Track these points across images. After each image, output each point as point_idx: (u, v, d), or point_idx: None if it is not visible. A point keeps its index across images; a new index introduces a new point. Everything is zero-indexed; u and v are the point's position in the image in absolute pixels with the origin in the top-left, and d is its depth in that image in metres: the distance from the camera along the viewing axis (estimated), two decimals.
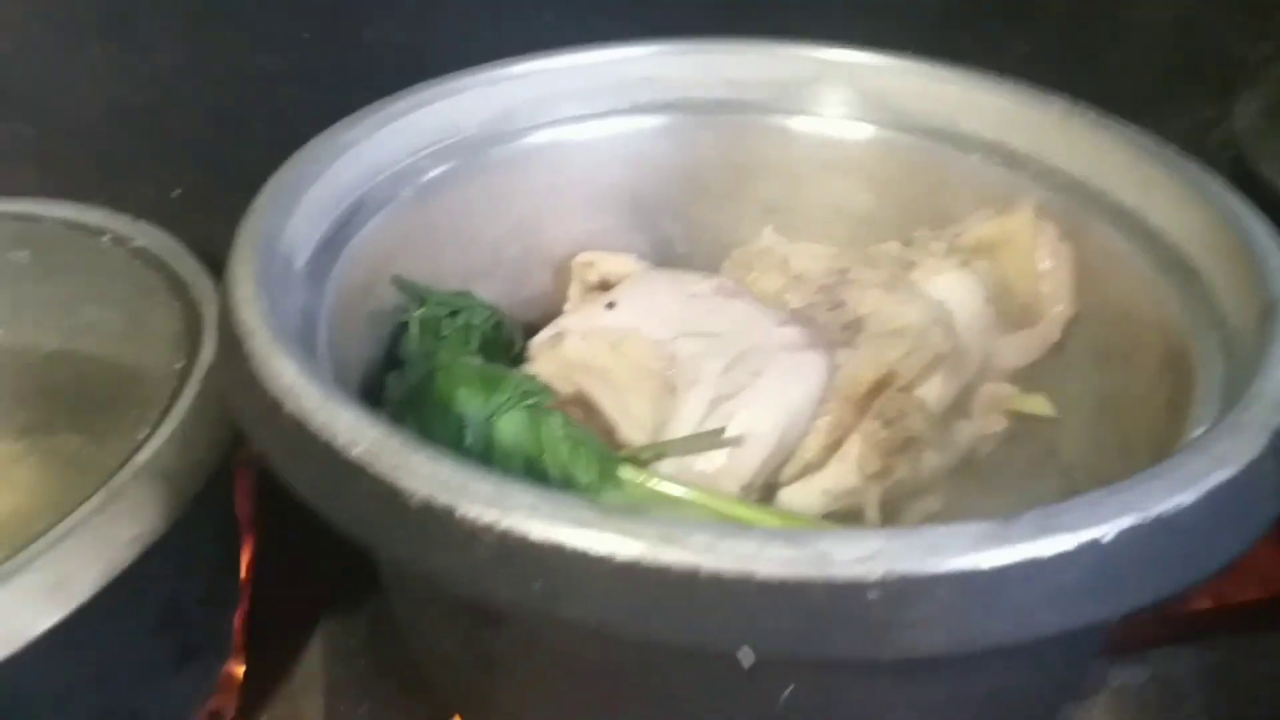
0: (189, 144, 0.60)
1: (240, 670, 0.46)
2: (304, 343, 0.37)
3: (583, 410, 0.51)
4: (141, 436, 0.37)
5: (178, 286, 0.45)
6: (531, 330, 0.54)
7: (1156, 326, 0.44)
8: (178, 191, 0.61)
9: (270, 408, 0.31)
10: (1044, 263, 0.48)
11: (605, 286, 0.56)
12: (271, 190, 0.41)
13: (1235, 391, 0.37)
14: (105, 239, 0.47)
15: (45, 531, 0.32)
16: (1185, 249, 0.44)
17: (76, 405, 0.42)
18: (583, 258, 0.56)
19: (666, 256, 0.59)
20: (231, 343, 0.34)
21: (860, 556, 0.26)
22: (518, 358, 0.52)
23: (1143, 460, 0.44)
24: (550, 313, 0.57)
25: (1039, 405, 0.50)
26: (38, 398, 0.43)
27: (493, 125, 0.52)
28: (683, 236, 0.59)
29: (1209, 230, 0.43)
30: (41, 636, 0.30)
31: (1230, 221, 0.42)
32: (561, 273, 0.57)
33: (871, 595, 0.26)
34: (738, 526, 0.27)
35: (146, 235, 0.47)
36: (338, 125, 0.46)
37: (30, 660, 0.31)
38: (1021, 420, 0.51)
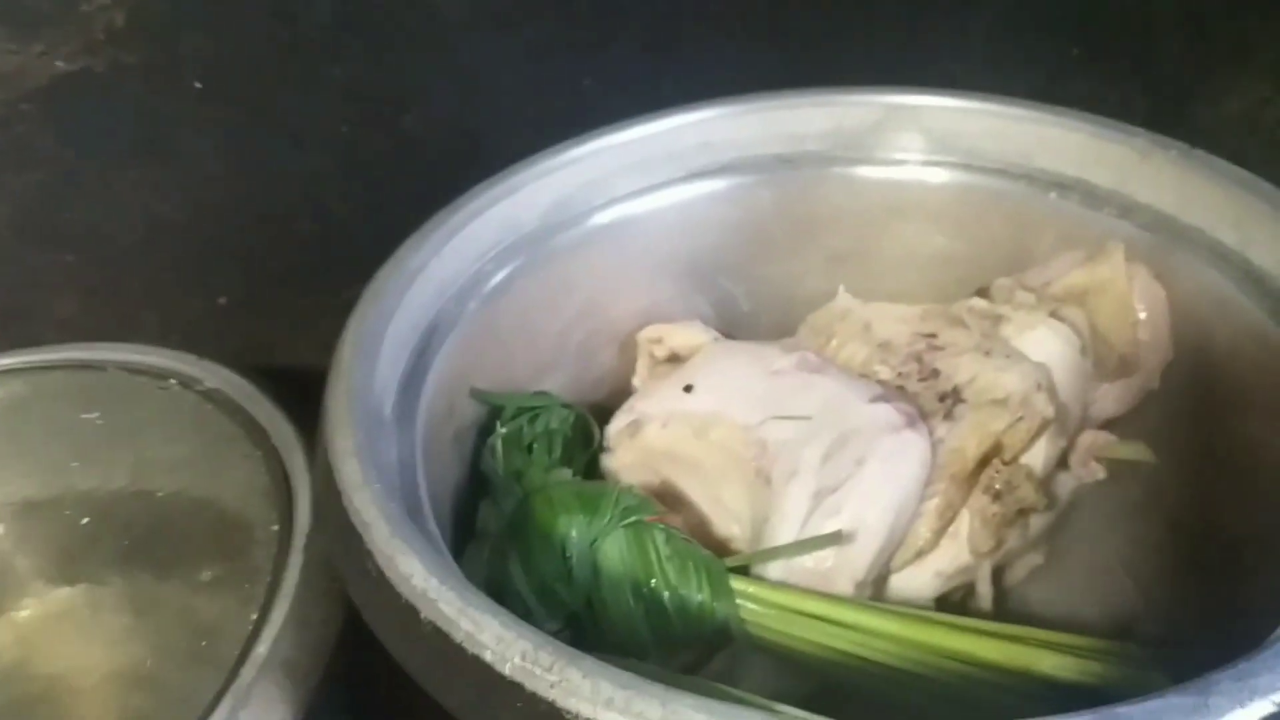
0: (234, 253, 0.58)
1: None
2: (411, 508, 0.36)
3: (671, 502, 0.50)
4: (253, 618, 0.36)
5: (256, 434, 0.43)
6: (598, 410, 0.52)
7: (1271, 372, 0.43)
8: (224, 299, 0.59)
9: (404, 614, 0.30)
10: (1139, 309, 0.47)
11: (675, 360, 0.55)
12: (352, 339, 0.40)
13: None
14: (172, 383, 0.46)
15: None
16: None
17: (172, 569, 0.40)
18: (650, 333, 0.55)
19: (731, 315, 0.57)
20: (347, 533, 0.33)
21: None
22: (597, 451, 0.51)
23: (1272, 504, 0.43)
24: (617, 390, 0.55)
25: (1139, 452, 0.48)
26: (128, 562, 0.42)
27: (552, 215, 0.51)
28: (746, 294, 0.57)
29: None
30: None
31: None
32: (626, 348, 0.56)
33: None
34: None
35: (214, 375, 0.46)
36: (403, 250, 0.45)
37: None
38: (1121, 465, 0.49)
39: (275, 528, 0.39)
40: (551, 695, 0.27)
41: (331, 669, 0.36)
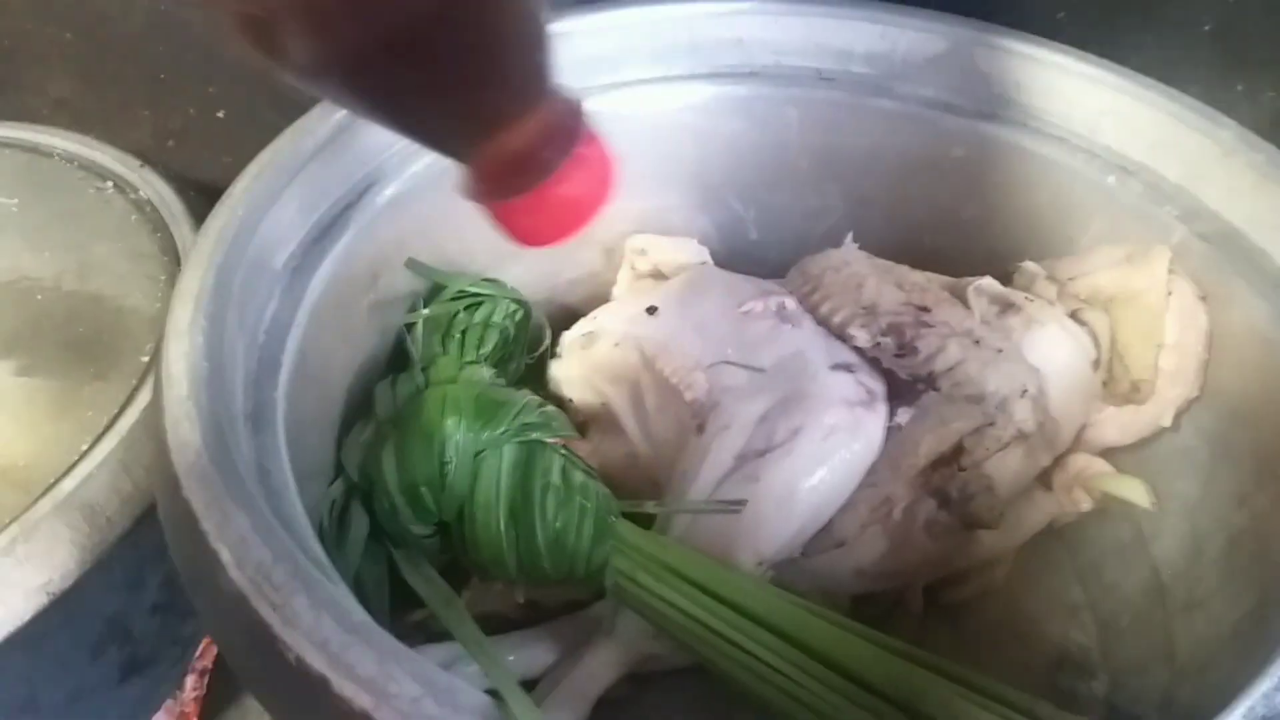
0: (230, 66, 0.55)
1: (200, 679, 0.44)
2: (260, 373, 0.33)
3: (608, 429, 0.46)
4: (82, 449, 0.33)
5: (170, 256, 0.40)
6: (571, 313, 0.48)
7: None
8: (222, 113, 0.56)
9: (170, 487, 0.27)
10: (1171, 334, 0.40)
11: (658, 276, 0.50)
12: (254, 170, 0.36)
13: None
14: (109, 185, 0.43)
15: None
16: None
17: (33, 372, 0.38)
18: (635, 242, 0.50)
19: (736, 242, 0.52)
20: (159, 382, 0.30)
21: None
22: (545, 355, 0.47)
23: (1249, 598, 0.36)
24: (595, 295, 0.51)
25: (1135, 492, 0.42)
26: None
27: None
28: (756, 221, 0.52)
29: None
30: None
31: None
32: (613, 252, 0.51)
33: None
34: None
35: (151, 187, 0.43)
36: None
37: None
38: (1113, 500, 0.43)
39: (144, 359, 0.36)
40: (271, 620, 0.24)
41: (145, 523, 0.33)
